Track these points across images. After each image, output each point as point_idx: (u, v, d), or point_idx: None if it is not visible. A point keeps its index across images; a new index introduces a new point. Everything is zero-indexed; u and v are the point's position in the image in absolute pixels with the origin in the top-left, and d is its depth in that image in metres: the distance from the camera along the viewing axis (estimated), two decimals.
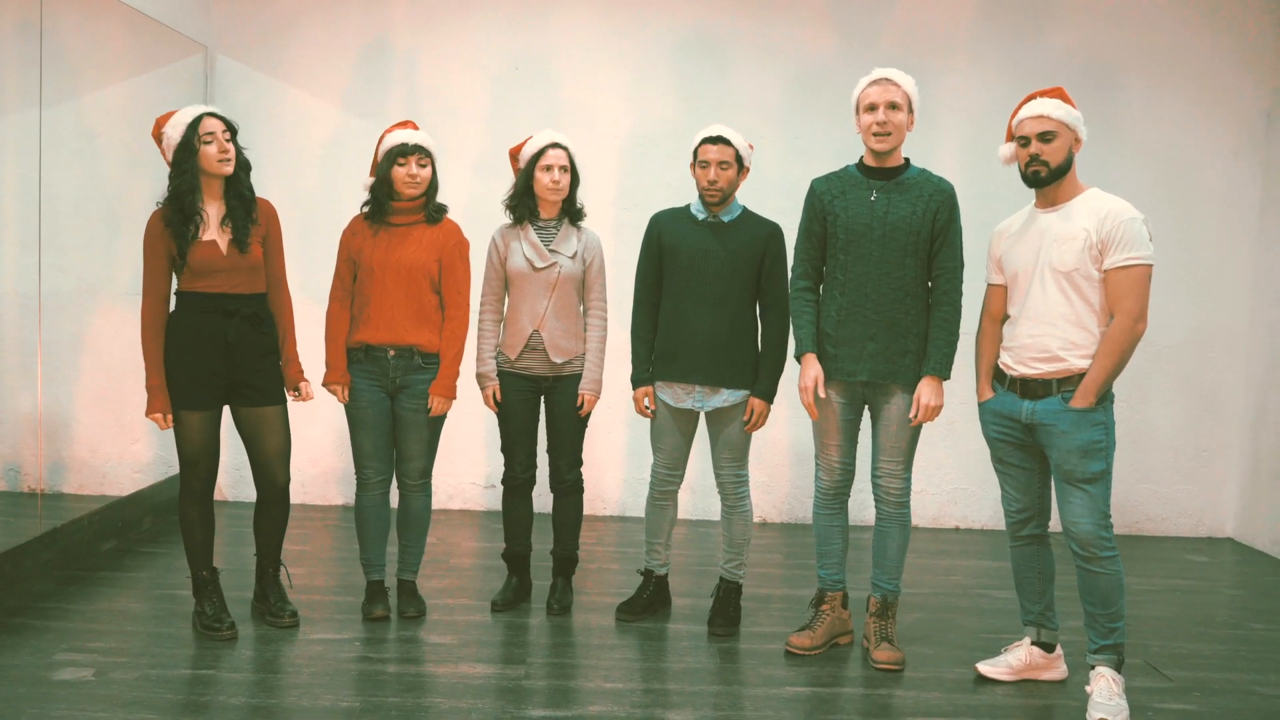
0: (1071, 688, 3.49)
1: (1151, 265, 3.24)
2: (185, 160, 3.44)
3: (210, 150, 3.45)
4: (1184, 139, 5.43)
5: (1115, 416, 3.37)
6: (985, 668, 3.57)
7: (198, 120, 3.44)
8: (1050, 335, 3.29)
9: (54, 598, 3.95)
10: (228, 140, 3.49)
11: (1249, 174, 5.45)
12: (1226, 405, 5.56)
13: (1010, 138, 3.41)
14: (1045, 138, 3.29)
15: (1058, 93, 3.35)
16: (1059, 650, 3.59)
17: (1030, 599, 3.56)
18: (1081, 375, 3.27)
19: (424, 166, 3.73)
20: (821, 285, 3.66)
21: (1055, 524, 3.45)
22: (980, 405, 3.52)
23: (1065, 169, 3.31)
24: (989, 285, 3.54)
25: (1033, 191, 3.43)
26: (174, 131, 3.45)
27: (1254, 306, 5.48)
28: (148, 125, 3.59)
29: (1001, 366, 3.43)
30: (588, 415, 3.96)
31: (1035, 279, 3.33)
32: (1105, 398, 3.31)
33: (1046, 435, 3.33)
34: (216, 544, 3.76)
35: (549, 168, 3.83)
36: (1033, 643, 3.57)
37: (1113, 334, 3.23)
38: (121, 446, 5.11)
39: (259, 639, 3.64)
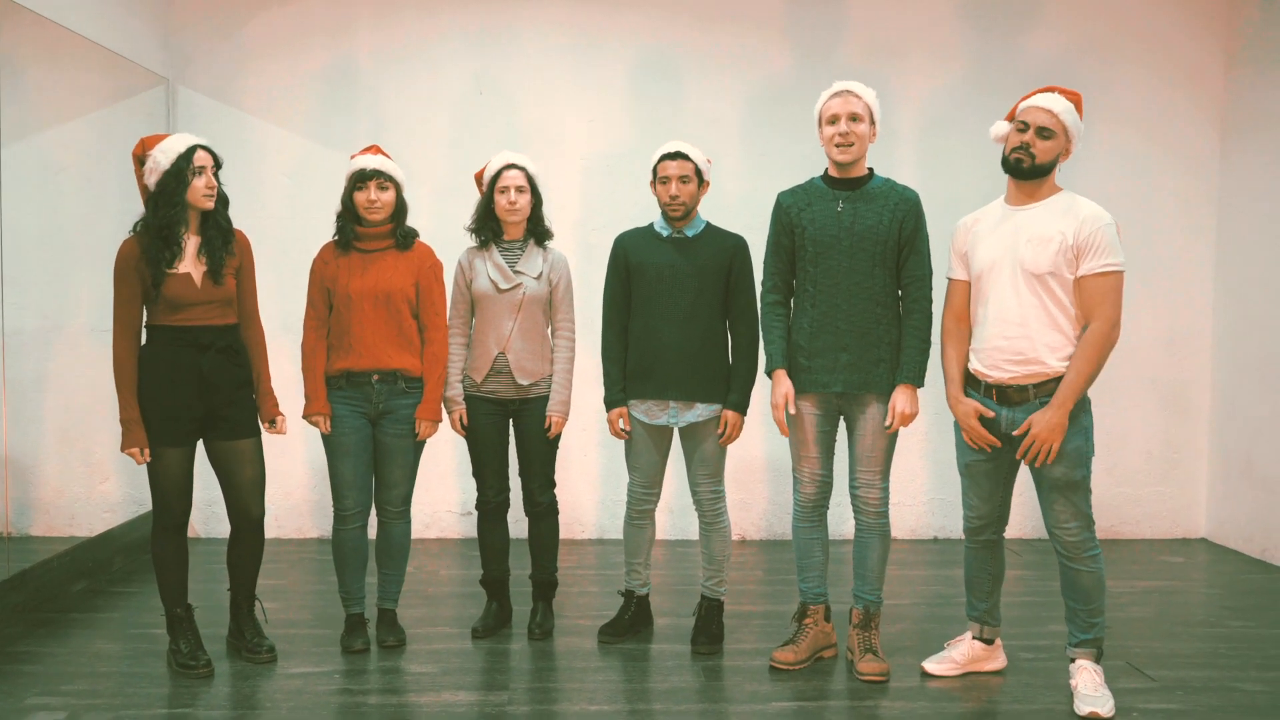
0: (1056, 691, 3.49)
1: (1123, 272, 3.26)
2: (175, 191, 3.40)
3: (199, 184, 3.42)
4: (1142, 142, 5.51)
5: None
6: (931, 665, 3.65)
7: (191, 151, 3.41)
8: (1023, 338, 3.28)
9: (25, 641, 3.87)
10: (214, 175, 3.47)
11: (1206, 176, 5.54)
12: (1195, 406, 5.62)
13: (1011, 117, 3.38)
14: (1043, 133, 3.26)
15: (1074, 97, 3.32)
16: (998, 642, 3.68)
17: (978, 597, 3.63)
18: (1057, 379, 3.26)
19: (384, 190, 3.72)
20: (792, 298, 3.68)
21: (1012, 529, 3.46)
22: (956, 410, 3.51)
23: (1048, 170, 3.30)
24: (951, 280, 3.52)
25: (999, 188, 3.44)
26: (164, 158, 3.39)
27: (1216, 306, 5.56)
28: (110, 159, 3.56)
29: (974, 373, 3.42)
30: (557, 437, 3.94)
31: (1006, 278, 3.31)
32: (1084, 403, 3.32)
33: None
34: (190, 581, 3.69)
35: (505, 189, 3.83)
36: (974, 637, 3.65)
37: (1091, 339, 3.22)
38: (90, 486, 5.04)
39: (236, 675, 3.58)
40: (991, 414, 3.36)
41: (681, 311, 3.72)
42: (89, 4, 4.57)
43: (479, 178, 3.96)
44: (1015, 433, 3.33)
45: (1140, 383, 5.59)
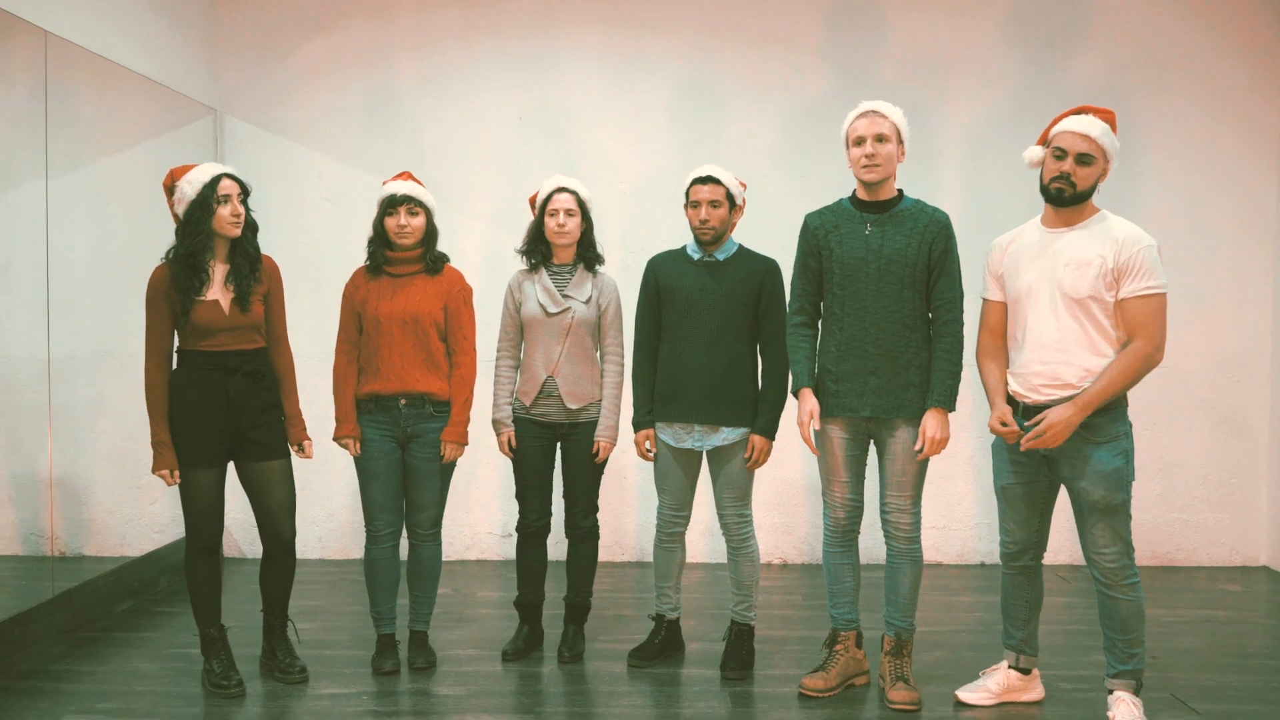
0: None
1: (1166, 293, 3.17)
2: (201, 220, 3.47)
3: (224, 212, 3.49)
4: (1199, 164, 5.37)
5: (1139, 444, 3.30)
6: (965, 694, 3.56)
7: (216, 180, 3.48)
8: (1062, 362, 3.22)
9: (66, 659, 3.96)
10: (241, 203, 3.53)
11: (1264, 198, 5.38)
12: (1253, 430, 5.44)
13: (1044, 140, 3.30)
14: (1083, 160, 3.18)
15: (1109, 116, 3.23)
16: (1035, 671, 3.58)
17: (1015, 625, 3.54)
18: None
19: (414, 216, 3.76)
20: (820, 321, 3.64)
21: (1060, 555, 3.38)
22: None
23: (1088, 195, 3.23)
24: (986, 301, 3.47)
25: (1035, 207, 3.38)
26: (190, 188, 3.47)
27: (1275, 329, 5.38)
28: (160, 189, 3.64)
29: (1012, 394, 3.36)
30: (604, 463, 3.93)
31: (1045, 302, 3.25)
32: (1125, 426, 3.24)
33: (1068, 467, 3.26)
34: (231, 601, 3.75)
35: (554, 212, 3.84)
36: (1010, 666, 3.56)
37: (1131, 354, 3.15)
38: (140, 507, 5.15)
39: (267, 695, 3.62)
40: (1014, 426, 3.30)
41: (708, 335, 3.70)
42: (138, 39, 4.71)
43: (533, 202, 3.99)
44: (1028, 422, 3.26)
45: (1195, 406, 5.43)
